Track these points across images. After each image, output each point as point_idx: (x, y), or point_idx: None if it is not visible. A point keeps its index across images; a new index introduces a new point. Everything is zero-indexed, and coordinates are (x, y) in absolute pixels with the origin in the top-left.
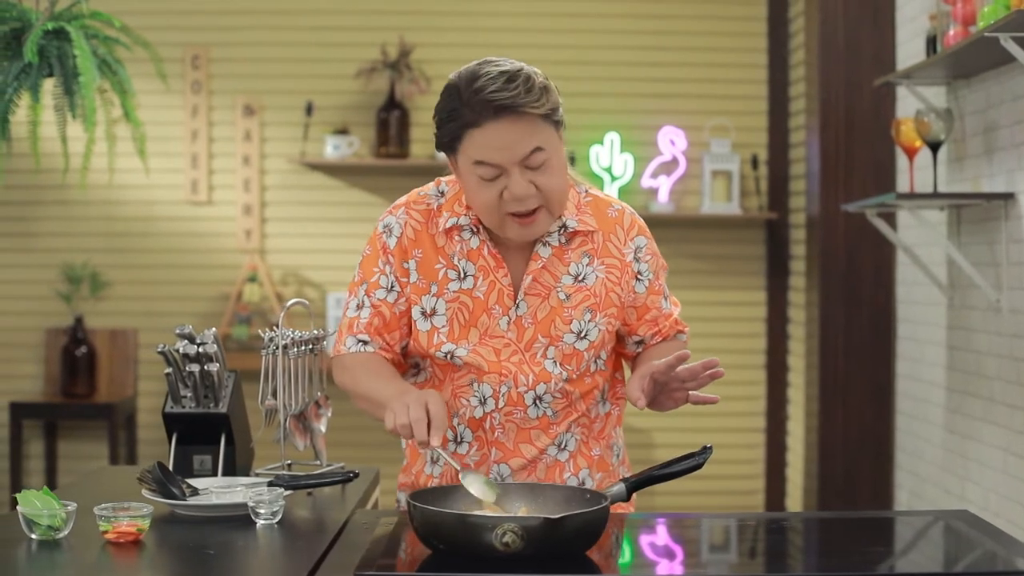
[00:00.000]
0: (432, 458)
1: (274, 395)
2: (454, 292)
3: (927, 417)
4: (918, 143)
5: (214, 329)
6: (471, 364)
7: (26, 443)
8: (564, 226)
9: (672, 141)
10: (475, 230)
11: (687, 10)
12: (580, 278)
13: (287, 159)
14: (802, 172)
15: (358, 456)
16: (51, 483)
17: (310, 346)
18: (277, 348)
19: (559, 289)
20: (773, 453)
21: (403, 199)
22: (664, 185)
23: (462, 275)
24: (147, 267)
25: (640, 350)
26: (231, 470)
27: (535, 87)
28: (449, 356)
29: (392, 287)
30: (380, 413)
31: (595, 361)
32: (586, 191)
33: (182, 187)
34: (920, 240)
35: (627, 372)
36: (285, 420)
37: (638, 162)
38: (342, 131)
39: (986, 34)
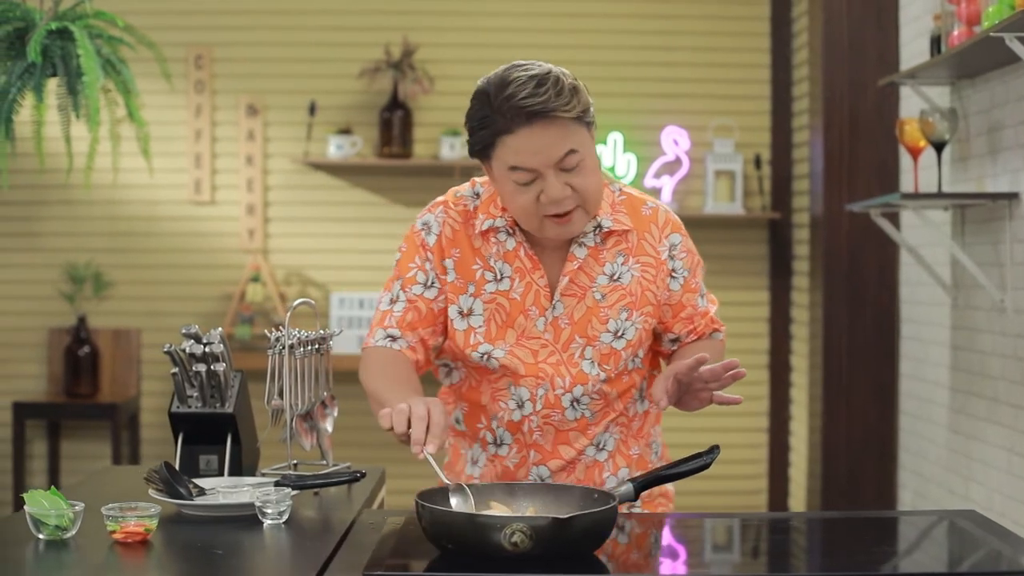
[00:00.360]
0: (473, 459)
1: (280, 395)
2: (491, 293)
3: (931, 417)
4: (922, 143)
5: (220, 329)
6: (507, 367)
7: (29, 443)
8: (599, 226)
9: (675, 141)
10: (511, 232)
11: (690, 10)
12: (616, 277)
13: (290, 159)
14: (805, 172)
15: (364, 456)
16: (54, 483)
17: (316, 346)
18: (283, 348)
19: (595, 289)
20: (776, 453)
21: (441, 198)
22: (667, 185)
23: (499, 276)
24: (150, 267)
25: (675, 348)
26: (237, 470)
27: (565, 89)
28: (486, 357)
29: (431, 283)
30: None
31: (632, 360)
32: (620, 189)
33: (185, 187)
34: (924, 240)
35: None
36: (291, 420)
37: (641, 162)
38: (345, 131)
39: (991, 34)
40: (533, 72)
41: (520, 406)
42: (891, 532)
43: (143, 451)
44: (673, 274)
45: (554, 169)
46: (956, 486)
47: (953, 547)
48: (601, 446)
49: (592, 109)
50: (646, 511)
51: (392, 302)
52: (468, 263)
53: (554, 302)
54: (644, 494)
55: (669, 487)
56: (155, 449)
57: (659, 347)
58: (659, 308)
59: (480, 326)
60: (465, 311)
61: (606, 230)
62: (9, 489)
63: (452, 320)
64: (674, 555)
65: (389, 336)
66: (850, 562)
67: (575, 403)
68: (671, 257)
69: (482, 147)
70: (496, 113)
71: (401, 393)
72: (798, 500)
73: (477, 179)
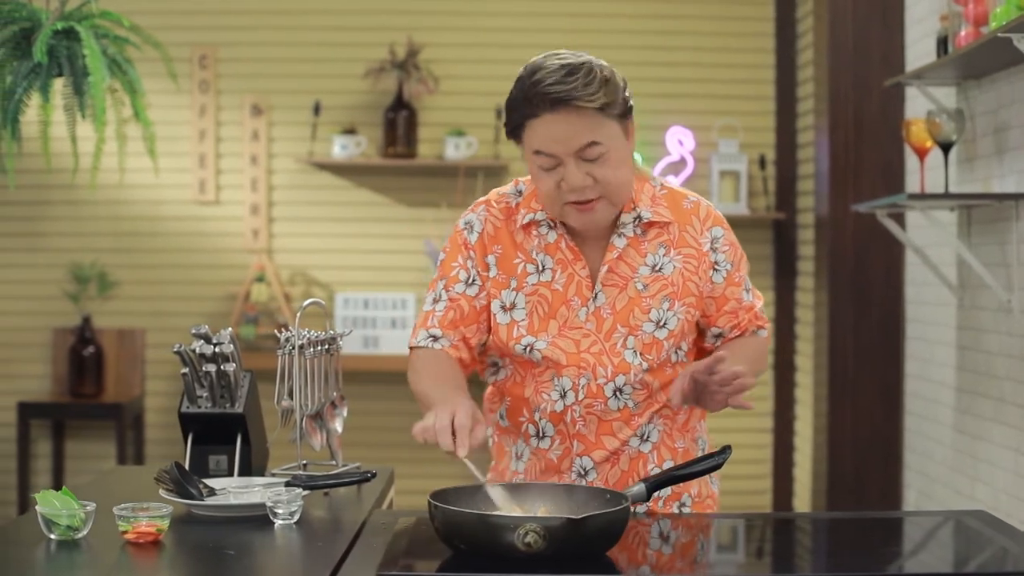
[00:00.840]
0: (517, 454)
1: (290, 395)
2: (533, 285)
3: (936, 417)
4: (929, 143)
5: (230, 329)
6: (549, 357)
7: (34, 443)
8: (639, 217)
9: (680, 141)
10: (552, 224)
11: (694, 10)
12: (657, 268)
13: (295, 159)
14: (809, 172)
15: (373, 456)
16: (58, 483)
17: (326, 346)
18: (293, 348)
19: (636, 279)
20: (780, 453)
21: (484, 198)
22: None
23: (540, 268)
24: (155, 267)
25: (718, 343)
26: (247, 470)
27: (595, 80)
28: (528, 350)
29: (473, 281)
30: None
31: (675, 352)
32: (661, 184)
33: (190, 187)
34: (930, 241)
35: None
36: (301, 420)
37: (646, 162)
38: (350, 131)
39: (999, 35)
40: (567, 61)
41: (563, 396)
42: (900, 532)
43: (147, 451)
44: (716, 267)
45: (575, 158)
46: (962, 486)
47: (964, 547)
48: (645, 437)
49: (629, 103)
50: (695, 511)
51: (435, 302)
52: (510, 258)
53: (596, 292)
54: (694, 493)
55: (715, 488)
56: (159, 449)
57: (703, 343)
58: (701, 300)
59: (523, 319)
60: (508, 305)
61: (646, 221)
62: (13, 489)
63: (495, 315)
64: (678, 555)
65: (431, 336)
66: (862, 562)
67: (618, 392)
68: (713, 250)
69: (512, 128)
70: (525, 97)
71: (442, 390)
72: (803, 500)
73: (520, 179)
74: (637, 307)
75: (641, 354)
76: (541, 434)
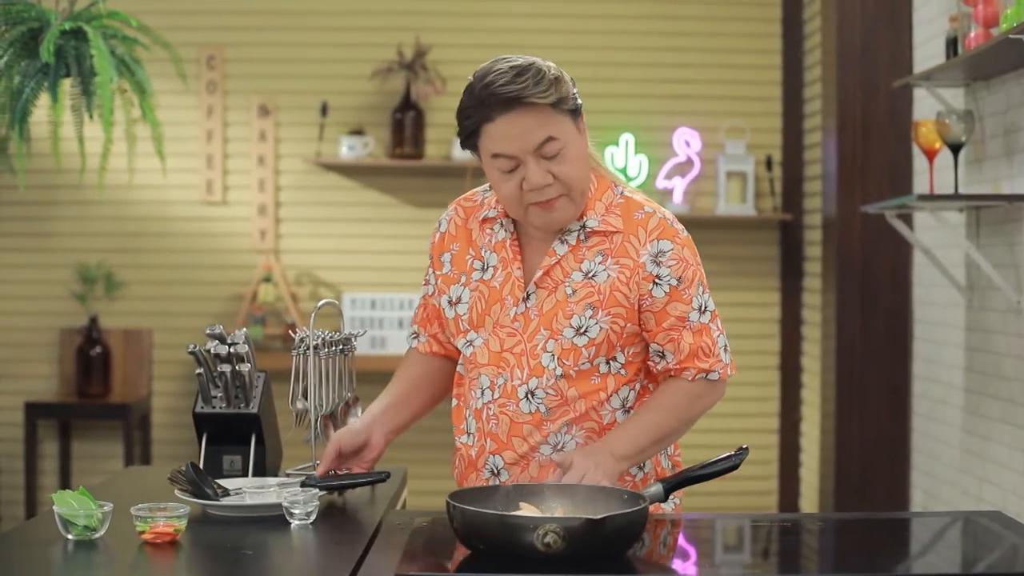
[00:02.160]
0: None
1: (305, 396)
2: (476, 281)
3: (944, 419)
4: (938, 144)
5: (245, 329)
6: (476, 354)
7: (41, 443)
8: (584, 226)
9: (687, 142)
10: (503, 223)
11: (701, 11)
12: (591, 275)
13: (302, 159)
14: (816, 173)
15: (385, 456)
16: (65, 483)
17: (340, 346)
18: (308, 348)
19: (568, 284)
20: (787, 454)
21: (459, 197)
22: (679, 186)
23: (485, 266)
24: (162, 267)
25: (661, 366)
26: (261, 471)
27: (544, 79)
28: (467, 345)
29: (430, 280)
30: None
31: (606, 363)
32: (622, 193)
33: (197, 187)
34: (938, 242)
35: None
36: (316, 421)
37: (653, 163)
38: (357, 132)
39: (1010, 36)
40: (515, 63)
41: (482, 393)
42: (913, 533)
43: (154, 451)
44: (657, 280)
45: (534, 156)
46: (970, 487)
47: (983, 548)
48: (559, 447)
49: (578, 101)
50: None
51: (420, 300)
52: (463, 255)
53: (528, 293)
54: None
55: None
56: (166, 449)
57: (649, 361)
58: (633, 312)
59: (465, 313)
60: (454, 299)
61: (590, 229)
62: (21, 489)
63: (443, 309)
64: (684, 556)
65: (413, 334)
66: (866, 563)
67: (530, 395)
68: (656, 263)
69: (467, 136)
70: (478, 102)
71: (385, 396)
72: (809, 501)
73: None
74: (562, 311)
75: (558, 359)
76: (468, 431)
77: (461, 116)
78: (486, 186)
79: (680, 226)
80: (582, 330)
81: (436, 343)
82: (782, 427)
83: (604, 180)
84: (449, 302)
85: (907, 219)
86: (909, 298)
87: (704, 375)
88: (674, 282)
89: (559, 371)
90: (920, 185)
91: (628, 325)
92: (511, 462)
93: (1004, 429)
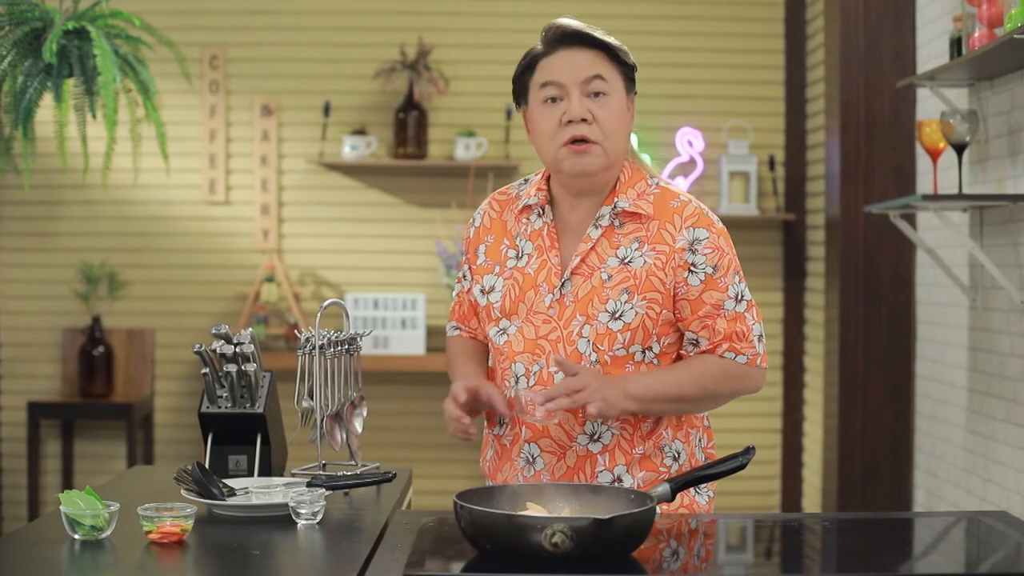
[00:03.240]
0: (490, 442)
1: (310, 395)
2: (511, 269)
3: (947, 418)
4: (942, 144)
5: (251, 329)
6: (511, 342)
7: (43, 443)
8: (615, 206)
9: (690, 142)
10: (541, 212)
11: (704, 11)
12: (627, 261)
13: (305, 159)
14: (819, 173)
15: (391, 456)
16: (68, 483)
17: (346, 346)
18: (313, 348)
19: (603, 270)
20: (789, 454)
21: (494, 192)
22: (681, 186)
23: (520, 254)
24: (165, 267)
25: (692, 352)
26: (267, 470)
27: (609, 35)
28: (499, 333)
29: (466, 276)
30: None
31: (642, 351)
32: (657, 183)
33: (200, 187)
34: (941, 242)
35: None
36: (321, 420)
37: (655, 163)
38: (360, 131)
39: (1014, 36)
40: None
41: (517, 382)
42: (916, 533)
43: (157, 451)
44: (693, 268)
45: (580, 90)
46: (973, 487)
47: (991, 548)
48: (596, 437)
49: (634, 72)
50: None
51: (456, 296)
52: (498, 245)
53: (563, 280)
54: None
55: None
56: (169, 449)
57: (682, 350)
58: (669, 299)
59: (497, 301)
60: (487, 288)
61: (620, 210)
62: (23, 489)
63: (476, 299)
64: (686, 555)
65: (453, 327)
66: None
67: None
68: (692, 251)
69: (522, 82)
70: (545, 40)
71: (462, 368)
72: (812, 501)
73: (530, 175)
74: (597, 296)
75: (594, 344)
76: (501, 421)
77: (519, 72)
78: (519, 181)
79: (715, 216)
80: (617, 315)
81: (476, 336)
82: (785, 427)
83: (639, 172)
84: (482, 291)
85: (910, 219)
86: (912, 298)
87: (734, 355)
88: (709, 270)
89: (594, 357)
90: (924, 185)
91: (663, 312)
92: (547, 450)
93: (1008, 429)
